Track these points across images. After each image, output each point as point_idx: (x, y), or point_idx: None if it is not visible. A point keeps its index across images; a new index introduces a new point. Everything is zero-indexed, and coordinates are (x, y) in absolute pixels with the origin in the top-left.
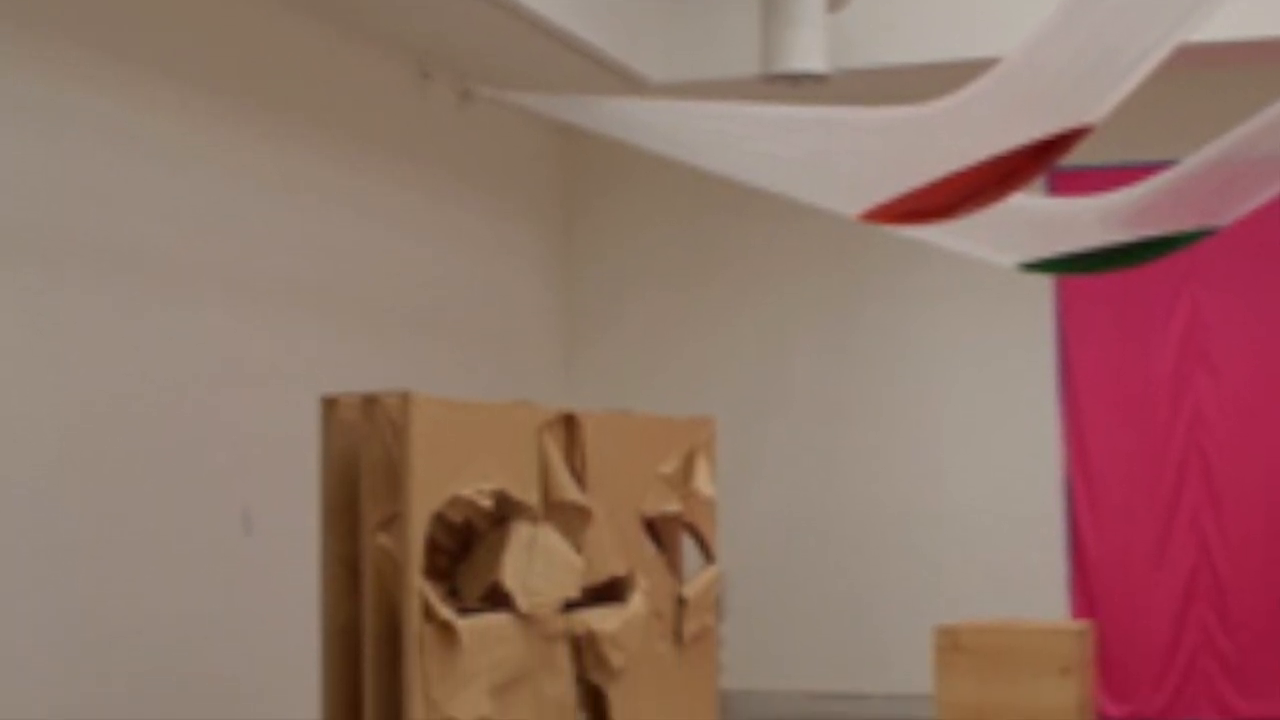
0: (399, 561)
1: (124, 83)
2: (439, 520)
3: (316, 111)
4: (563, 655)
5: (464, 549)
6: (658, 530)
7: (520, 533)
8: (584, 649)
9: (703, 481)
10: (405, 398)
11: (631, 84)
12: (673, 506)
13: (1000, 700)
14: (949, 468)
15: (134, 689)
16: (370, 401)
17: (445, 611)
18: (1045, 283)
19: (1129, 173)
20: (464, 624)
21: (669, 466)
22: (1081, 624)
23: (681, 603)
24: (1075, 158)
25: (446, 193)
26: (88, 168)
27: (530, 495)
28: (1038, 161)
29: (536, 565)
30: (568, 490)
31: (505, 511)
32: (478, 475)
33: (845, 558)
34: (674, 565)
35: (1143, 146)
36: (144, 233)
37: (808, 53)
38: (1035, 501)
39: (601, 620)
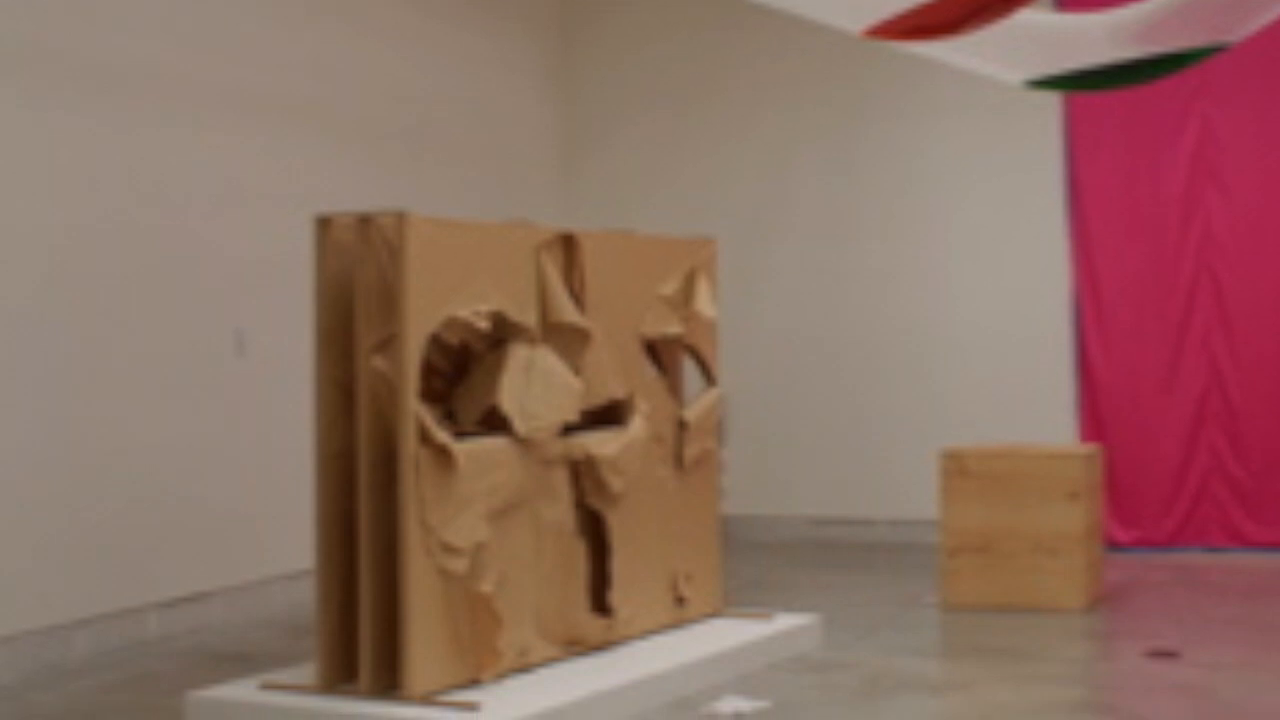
0: (394, 385)
1: None
2: (435, 342)
3: None
4: (561, 480)
5: (460, 372)
6: (658, 352)
7: (518, 355)
8: (583, 473)
9: (704, 303)
10: (400, 217)
11: None
12: (673, 328)
13: (1007, 526)
14: (955, 288)
15: (126, 512)
16: (365, 221)
17: (441, 435)
18: (1053, 99)
19: None
20: (460, 448)
21: (669, 287)
22: (1090, 448)
23: (682, 426)
24: None
25: (443, 8)
26: None
27: (528, 317)
28: None
29: (534, 388)
30: (566, 311)
31: (502, 333)
32: (474, 296)
33: (849, 380)
34: (674, 388)
35: None
36: (134, 49)
37: None
38: (1043, 322)
39: (601, 444)
